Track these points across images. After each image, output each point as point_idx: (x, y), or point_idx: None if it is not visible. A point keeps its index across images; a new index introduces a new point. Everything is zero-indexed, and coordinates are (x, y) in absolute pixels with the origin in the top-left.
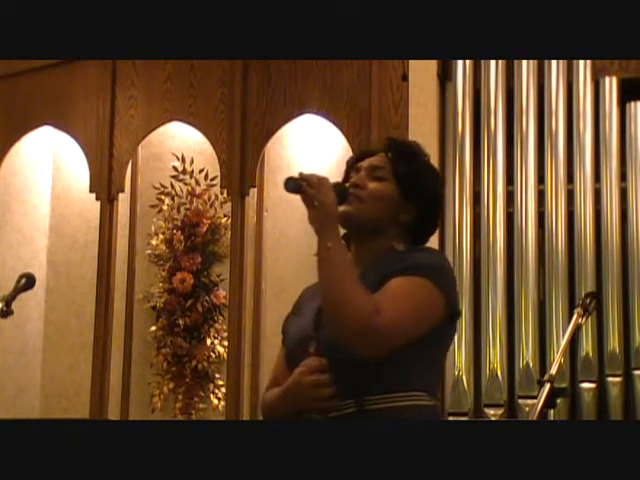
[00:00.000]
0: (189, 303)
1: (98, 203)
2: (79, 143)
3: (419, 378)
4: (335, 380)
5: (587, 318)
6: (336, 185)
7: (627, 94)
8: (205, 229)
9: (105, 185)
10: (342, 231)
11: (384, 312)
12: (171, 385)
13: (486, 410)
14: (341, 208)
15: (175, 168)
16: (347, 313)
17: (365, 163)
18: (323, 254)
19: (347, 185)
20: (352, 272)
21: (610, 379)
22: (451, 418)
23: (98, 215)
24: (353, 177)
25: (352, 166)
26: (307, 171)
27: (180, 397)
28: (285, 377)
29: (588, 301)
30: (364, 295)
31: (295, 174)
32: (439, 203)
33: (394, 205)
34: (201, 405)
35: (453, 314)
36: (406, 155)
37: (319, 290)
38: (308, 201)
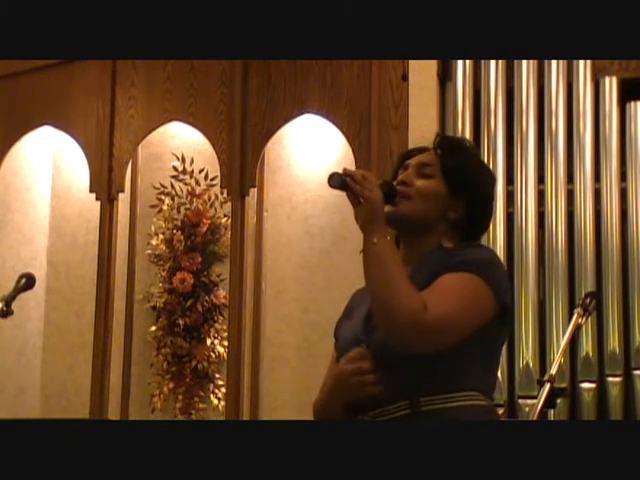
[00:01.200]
0: (189, 303)
1: (98, 203)
2: (79, 143)
3: (473, 377)
4: (388, 382)
5: (587, 318)
6: (383, 183)
7: (627, 94)
8: (205, 229)
9: (105, 185)
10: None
11: (432, 308)
12: (171, 385)
13: None
14: (388, 208)
15: (175, 168)
16: (395, 310)
17: (413, 161)
18: (369, 251)
19: (394, 183)
20: (399, 268)
21: (610, 379)
22: None
23: (98, 215)
24: (401, 175)
25: (401, 164)
26: (307, 171)
27: (180, 397)
28: None
29: (588, 301)
30: (411, 292)
31: (295, 174)
32: (490, 200)
33: (442, 202)
34: (201, 405)
35: (504, 310)
36: (455, 151)
37: (368, 289)
38: (353, 197)
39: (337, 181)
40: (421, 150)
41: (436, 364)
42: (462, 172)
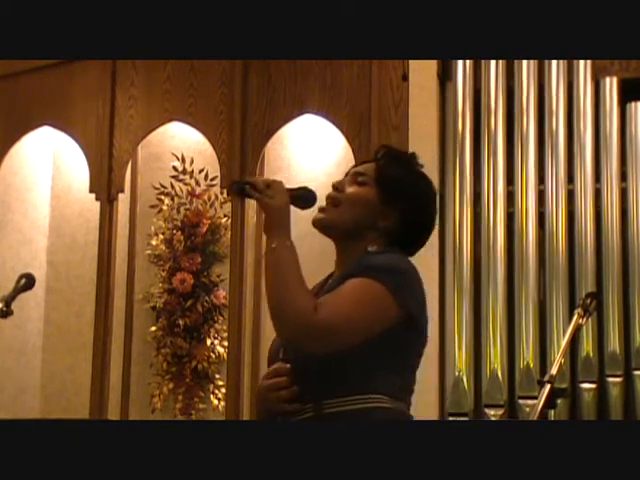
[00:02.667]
0: (189, 303)
1: (98, 203)
2: (79, 143)
3: (379, 381)
4: (297, 385)
5: (587, 318)
6: (302, 189)
7: (627, 94)
8: (205, 229)
9: (105, 185)
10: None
11: (321, 310)
12: (171, 385)
13: (486, 410)
14: (316, 215)
15: (175, 168)
16: (285, 311)
17: (353, 169)
18: (267, 255)
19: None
20: (295, 272)
21: (610, 379)
22: (451, 418)
23: (98, 215)
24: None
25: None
26: (307, 171)
27: (180, 397)
28: None
29: (588, 301)
30: (304, 294)
31: (295, 174)
32: (426, 212)
33: (372, 210)
34: (201, 405)
35: (408, 316)
36: (395, 163)
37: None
38: (259, 204)
39: (237, 189)
40: (370, 161)
41: (340, 368)
42: (395, 182)
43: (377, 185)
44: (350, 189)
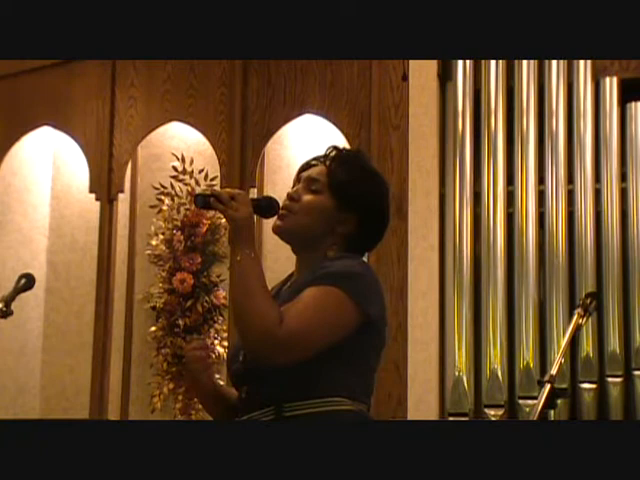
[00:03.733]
0: (189, 303)
1: (98, 203)
2: (79, 143)
3: (340, 383)
4: (257, 388)
5: (587, 318)
6: (264, 198)
7: (627, 94)
8: (205, 229)
9: (105, 185)
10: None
11: (287, 322)
12: (171, 385)
13: (486, 410)
14: (275, 222)
15: (175, 168)
16: (250, 323)
17: (305, 174)
18: (233, 267)
19: (286, 196)
20: (260, 284)
21: (610, 379)
22: (451, 418)
23: (98, 215)
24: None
25: (298, 175)
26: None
27: (180, 397)
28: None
29: (588, 301)
30: (269, 306)
31: (294, 174)
32: (382, 212)
33: (329, 217)
34: (201, 405)
35: (368, 319)
36: (344, 165)
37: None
38: (224, 216)
39: (201, 202)
40: (319, 159)
41: (300, 371)
42: (349, 187)
43: (330, 192)
44: (305, 197)
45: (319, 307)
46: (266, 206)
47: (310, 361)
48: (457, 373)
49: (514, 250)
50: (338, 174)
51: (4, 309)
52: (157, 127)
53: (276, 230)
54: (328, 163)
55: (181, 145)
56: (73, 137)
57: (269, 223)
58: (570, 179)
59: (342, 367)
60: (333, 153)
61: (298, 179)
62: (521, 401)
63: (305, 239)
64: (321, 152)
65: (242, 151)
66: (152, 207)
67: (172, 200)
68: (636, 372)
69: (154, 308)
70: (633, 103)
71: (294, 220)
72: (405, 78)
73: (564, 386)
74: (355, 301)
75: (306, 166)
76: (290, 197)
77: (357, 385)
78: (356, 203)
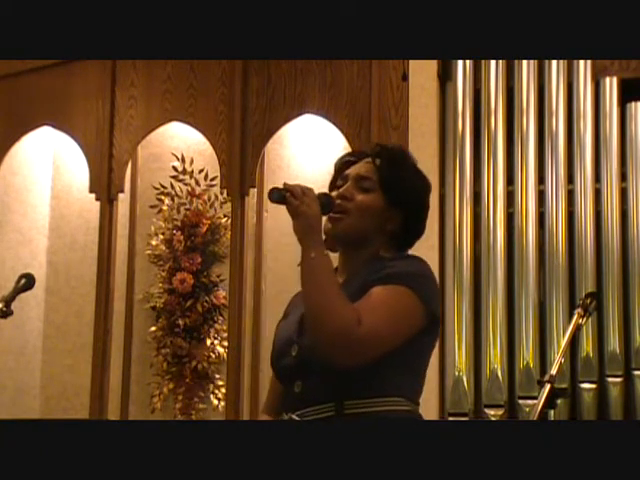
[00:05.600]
0: (189, 303)
1: (98, 203)
2: (79, 143)
3: (399, 384)
4: (316, 383)
5: (587, 318)
6: (322, 195)
7: (627, 94)
8: (205, 229)
9: (105, 185)
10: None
11: (365, 322)
12: (171, 385)
13: (486, 410)
14: (327, 225)
15: (175, 168)
16: (329, 323)
17: (352, 172)
18: (306, 264)
19: (334, 195)
20: (335, 282)
21: (610, 379)
22: (451, 418)
23: (98, 215)
24: (340, 185)
25: (338, 172)
26: (307, 171)
27: (180, 397)
28: (275, 389)
29: (588, 301)
30: (346, 305)
31: (295, 174)
32: (426, 208)
33: (380, 215)
34: (201, 405)
35: (432, 320)
36: (393, 162)
37: (302, 300)
38: (292, 211)
39: (277, 196)
40: (359, 156)
41: (363, 369)
42: (401, 185)
43: (382, 189)
44: (359, 197)
45: (393, 307)
46: (325, 203)
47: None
48: (457, 373)
49: (514, 250)
50: (389, 171)
51: (4, 309)
52: (157, 127)
53: (330, 233)
54: (377, 161)
55: (181, 145)
56: (73, 137)
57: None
58: (570, 179)
59: (403, 367)
60: (379, 150)
61: (343, 177)
62: (521, 401)
63: (358, 239)
64: (321, 152)
65: (242, 151)
66: (152, 207)
67: (172, 200)
68: (636, 372)
69: (154, 308)
70: (633, 103)
71: (349, 221)
72: (405, 78)
73: (564, 386)
74: (424, 301)
75: (345, 163)
76: (342, 196)
77: (413, 385)
78: (406, 200)
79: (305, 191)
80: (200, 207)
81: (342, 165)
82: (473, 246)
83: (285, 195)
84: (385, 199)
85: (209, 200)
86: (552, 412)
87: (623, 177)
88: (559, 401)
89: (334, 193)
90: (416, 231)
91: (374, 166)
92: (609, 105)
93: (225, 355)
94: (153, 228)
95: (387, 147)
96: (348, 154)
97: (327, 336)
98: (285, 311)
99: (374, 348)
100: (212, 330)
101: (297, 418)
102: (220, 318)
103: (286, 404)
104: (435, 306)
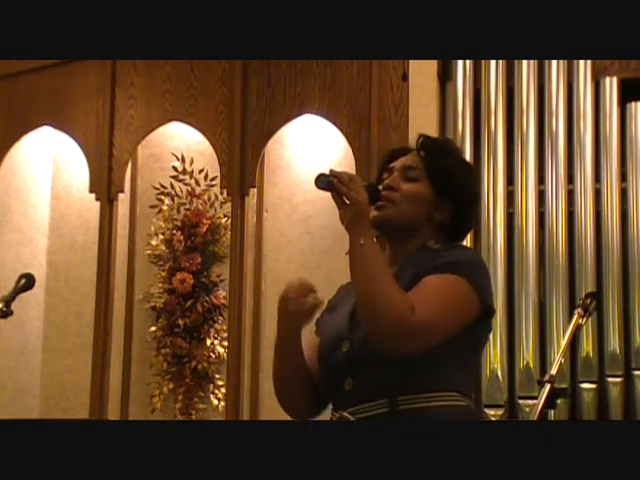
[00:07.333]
0: (189, 303)
1: (98, 203)
2: (79, 143)
3: (453, 378)
4: (368, 379)
5: (587, 318)
6: (368, 185)
7: (627, 94)
8: (205, 229)
9: (105, 185)
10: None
11: (419, 310)
12: (171, 385)
13: (486, 410)
14: (373, 212)
15: (175, 168)
16: (383, 311)
17: (398, 163)
18: (355, 252)
19: (380, 187)
20: (386, 270)
21: (610, 379)
22: None
23: (98, 215)
24: (386, 178)
25: (384, 167)
26: (307, 171)
27: (180, 397)
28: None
29: (588, 301)
30: (399, 293)
31: (295, 174)
32: (476, 199)
33: (428, 205)
34: (201, 405)
35: (486, 311)
36: (439, 153)
37: (353, 289)
38: (339, 198)
39: (324, 182)
40: (404, 151)
41: (416, 364)
42: (448, 174)
43: (429, 179)
44: (405, 186)
45: (447, 295)
46: (372, 193)
47: (426, 353)
48: None
49: (514, 250)
50: (435, 161)
51: (4, 309)
52: (157, 127)
53: (376, 220)
54: (422, 151)
55: (181, 145)
56: (73, 137)
57: (269, 222)
58: (570, 179)
59: (455, 360)
60: (424, 141)
61: (389, 170)
62: (521, 401)
63: (405, 228)
64: (321, 152)
65: (242, 151)
66: (152, 207)
67: (172, 200)
68: (636, 372)
69: (154, 308)
70: (633, 103)
71: (395, 210)
72: (405, 78)
73: (564, 386)
74: (478, 292)
75: (393, 155)
76: (388, 187)
77: (466, 379)
78: (453, 190)
79: (352, 177)
80: (200, 207)
81: (388, 159)
82: (473, 246)
83: (332, 181)
84: (432, 189)
85: (209, 200)
86: (552, 412)
87: (623, 177)
88: (559, 401)
89: (380, 186)
90: (465, 223)
91: (419, 157)
92: (609, 105)
93: (225, 355)
94: (153, 228)
95: (431, 138)
96: (392, 150)
97: (382, 324)
98: (330, 303)
99: (428, 336)
100: (212, 330)
101: (349, 416)
102: (220, 318)
103: (336, 402)
104: (489, 296)
